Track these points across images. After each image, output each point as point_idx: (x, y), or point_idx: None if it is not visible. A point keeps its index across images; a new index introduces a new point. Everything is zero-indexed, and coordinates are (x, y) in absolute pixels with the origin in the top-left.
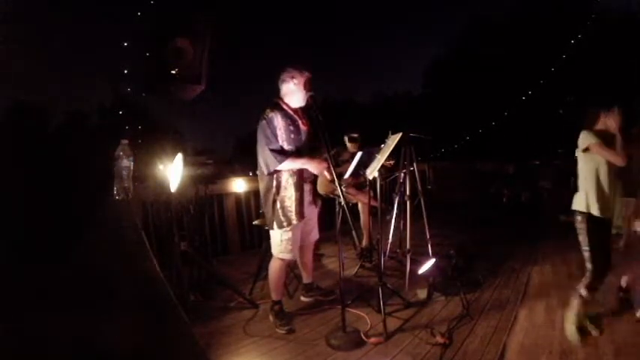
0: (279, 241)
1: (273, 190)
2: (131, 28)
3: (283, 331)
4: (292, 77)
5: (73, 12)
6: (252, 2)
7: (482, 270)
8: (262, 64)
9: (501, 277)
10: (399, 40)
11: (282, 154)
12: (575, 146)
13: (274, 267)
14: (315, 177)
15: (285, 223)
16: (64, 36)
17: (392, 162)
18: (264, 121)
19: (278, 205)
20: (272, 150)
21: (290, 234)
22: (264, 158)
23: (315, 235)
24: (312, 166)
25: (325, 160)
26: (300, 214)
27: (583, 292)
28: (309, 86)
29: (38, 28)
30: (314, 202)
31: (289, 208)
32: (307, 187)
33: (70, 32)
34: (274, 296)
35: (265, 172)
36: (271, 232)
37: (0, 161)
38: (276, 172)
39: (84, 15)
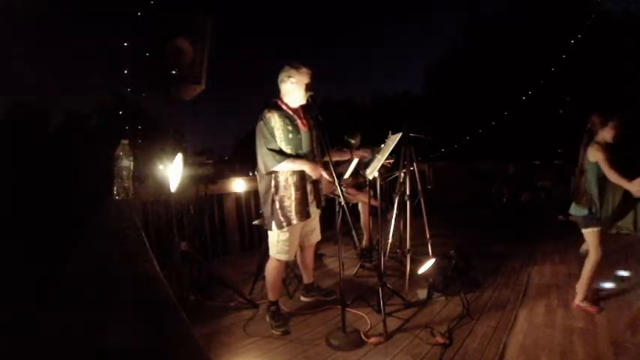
0: (276, 241)
1: (272, 190)
2: (131, 28)
3: (279, 333)
4: (289, 76)
5: (74, 12)
6: (252, 1)
7: (482, 270)
8: (262, 63)
9: (501, 277)
10: (399, 39)
11: (280, 154)
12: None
13: (271, 267)
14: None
15: (284, 224)
16: (64, 36)
17: (391, 161)
18: (261, 122)
19: (277, 205)
20: (270, 149)
21: (287, 235)
22: (263, 157)
23: (316, 236)
24: (308, 169)
25: (323, 164)
26: (302, 213)
27: None
28: (309, 84)
29: (38, 28)
30: (317, 202)
31: (288, 208)
32: (309, 188)
33: (70, 32)
34: (271, 297)
35: (264, 172)
36: (269, 232)
37: (0, 161)
38: (275, 172)
39: (84, 15)
